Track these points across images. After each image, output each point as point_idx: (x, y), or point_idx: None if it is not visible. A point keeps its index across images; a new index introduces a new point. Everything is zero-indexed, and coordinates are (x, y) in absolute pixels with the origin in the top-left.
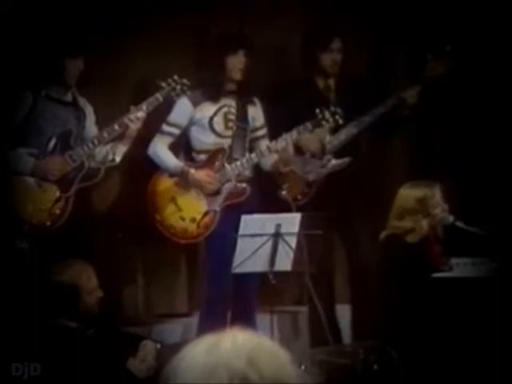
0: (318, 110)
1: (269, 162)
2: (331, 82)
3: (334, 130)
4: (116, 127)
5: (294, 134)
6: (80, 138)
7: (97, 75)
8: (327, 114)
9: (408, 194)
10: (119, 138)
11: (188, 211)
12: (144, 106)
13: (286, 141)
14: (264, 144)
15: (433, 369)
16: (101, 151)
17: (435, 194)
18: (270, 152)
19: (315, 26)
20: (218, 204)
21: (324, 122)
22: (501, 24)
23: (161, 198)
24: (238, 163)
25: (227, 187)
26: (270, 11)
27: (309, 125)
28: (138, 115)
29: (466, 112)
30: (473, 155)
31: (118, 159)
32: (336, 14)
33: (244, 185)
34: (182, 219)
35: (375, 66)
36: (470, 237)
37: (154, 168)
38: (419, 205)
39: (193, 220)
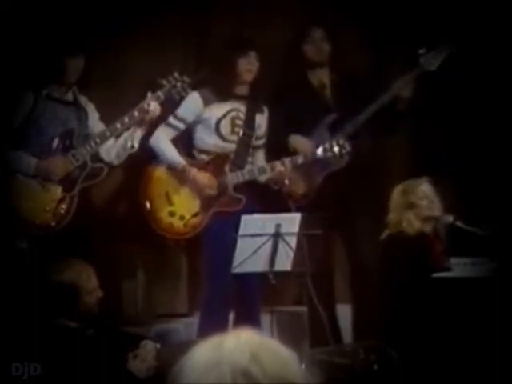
0: (327, 144)
1: (265, 177)
2: (326, 79)
3: (332, 132)
4: (134, 115)
5: (299, 158)
6: (82, 137)
7: (98, 74)
8: (335, 147)
9: (396, 189)
10: (136, 125)
11: (179, 208)
12: (155, 98)
13: (285, 164)
14: (259, 155)
15: (433, 369)
16: (117, 142)
17: (420, 185)
18: (273, 171)
19: (299, 20)
20: (210, 208)
21: (329, 154)
22: (497, 18)
23: (154, 189)
24: (239, 173)
25: (223, 197)
26: (270, 12)
27: (316, 152)
28: (152, 104)
29: (466, 109)
30: (473, 154)
31: (136, 145)
32: (330, 10)
33: (240, 196)
34: (171, 214)
35: (369, 62)
36: (470, 237)
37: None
38: (403, 197)
39: (181, 218)
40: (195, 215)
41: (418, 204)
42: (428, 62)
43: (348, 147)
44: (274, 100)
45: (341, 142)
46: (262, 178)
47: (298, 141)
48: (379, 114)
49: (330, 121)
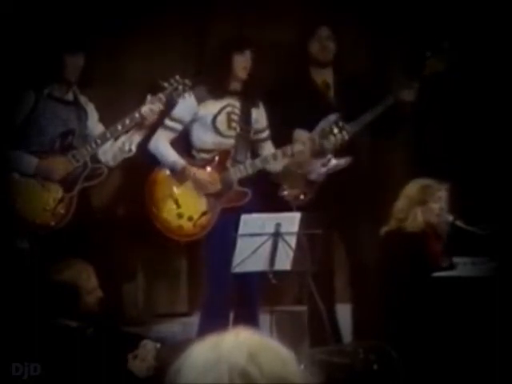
0: (326, 127)
1: (278, 166)
2: (329, 79)
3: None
4: (135, 117)
5: (296, 147)
6: (82, 138)
7: (98, 74)
8: (335, 129)
9: (415, 182)
10: (135, 128)
11: (187, 209)
12: (157, 100)
13: (305, 144)
14: (267, 146)
15: (433, 369)
16: (115, 144)
17: (441, 190)
18: (276, 160)
19: (304, 19)
20: (217, 205)
21: (331, 137)
22: (499, 21)
23: (160, 192)
24: (242, 167)
25: (229, 192)
26: (270, 12)
27: (316, 136)
28: (152, 107)
29: (466, 111)
30: (473, 155)
31: (134, 149)
32: (334, 11)
33: (245, 189)
34: (180, 216)
35: (374, 63)
36: (470, 236)
37: (155, 167)
38: (421, 192)
39: (190, 219)
40: (203, 214)
41: (430, 206)
42: (433, 65)
43: (348, 128)
44: (276, 97)
45: (340, 124)
46: (278, 167)
47: (301, 135)
48: (381, 116)
49: (333, 119)
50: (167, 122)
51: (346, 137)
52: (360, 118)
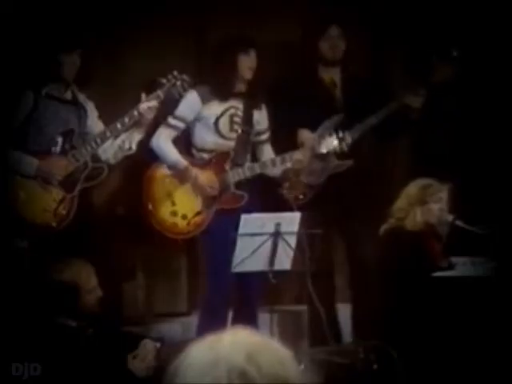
0: (327, 137)
1: (277, 171)
2: (337, 77)
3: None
4: (134, 115)
5: (295, 155)
6: (82, 137)
7: (97, 72)
8: (335, 141)
9: (416, 182)
10: (134, 126)
11: (181, 207)
12: (155, 97)
13: (304, 154)
14: (266, 149)
15: (433, 369)
16: (115, 143)
17: (441, 190)
18: (274, 166)
19: (312, 17)
20: (212, 206)
21: (331, 148)
22: (507, 27)
23: (157, 189)
24: (240, 170)
25: (225, 194)
26: (271, 11)
27: (315, 143)
28: (150, 105)
29: (467, 113)
30: (473, 154)
31: (134, 147)
32: (344, 10)
33: (242, 192)
34: (174, 214)
35: (381, 68)
36: (470, 236)
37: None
38: (421, 192)
39: (184, 217)
40: (198, 214)
41: (430, 206)
42: (442, 73)
43: (349, 139)
44: (281, 95)
45: (341, 134)
46: (276, 172)
47: (306, 136)
48: (386, 120)
49: (337, 120)
50: (170, 120)
51: (346, 148)
52: (363, 122)
